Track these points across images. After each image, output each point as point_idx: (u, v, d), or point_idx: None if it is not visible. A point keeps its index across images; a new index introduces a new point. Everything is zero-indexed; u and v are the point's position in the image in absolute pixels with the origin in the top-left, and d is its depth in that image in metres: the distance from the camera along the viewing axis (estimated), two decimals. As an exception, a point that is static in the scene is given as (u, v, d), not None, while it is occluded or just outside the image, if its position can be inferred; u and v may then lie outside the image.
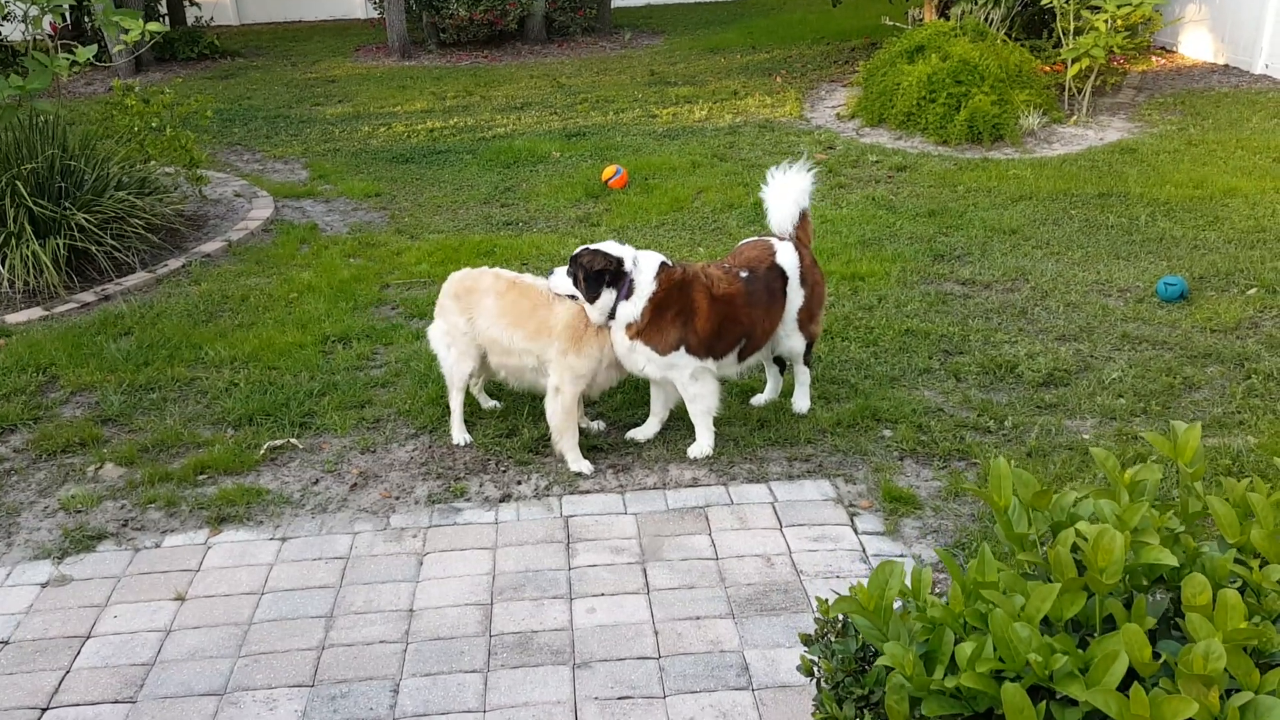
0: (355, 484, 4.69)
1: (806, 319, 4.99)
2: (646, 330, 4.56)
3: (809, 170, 5.08)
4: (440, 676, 3.52)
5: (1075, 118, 10.24)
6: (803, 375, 5.13)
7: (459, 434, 5.00)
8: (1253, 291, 6.31)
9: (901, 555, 4.08)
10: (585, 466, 4.73)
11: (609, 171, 8.81)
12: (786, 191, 5.03)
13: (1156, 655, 1.71)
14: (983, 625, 1.84)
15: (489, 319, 4.80)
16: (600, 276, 4.50)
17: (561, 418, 4.68)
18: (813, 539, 4.19)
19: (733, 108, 11.44)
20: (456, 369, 4.95)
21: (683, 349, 4.60)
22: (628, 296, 4.53)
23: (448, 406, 5.10)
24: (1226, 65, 12.07)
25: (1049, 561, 1.92)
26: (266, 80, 13.93)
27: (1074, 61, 10.24)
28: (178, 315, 6.45)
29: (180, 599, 3.96)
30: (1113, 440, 4.80)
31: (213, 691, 3.49)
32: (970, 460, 4.71)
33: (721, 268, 4.74)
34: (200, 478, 4.76)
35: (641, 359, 4.63)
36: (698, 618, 3.76)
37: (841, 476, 4.62)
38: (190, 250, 7.58)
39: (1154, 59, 12.57)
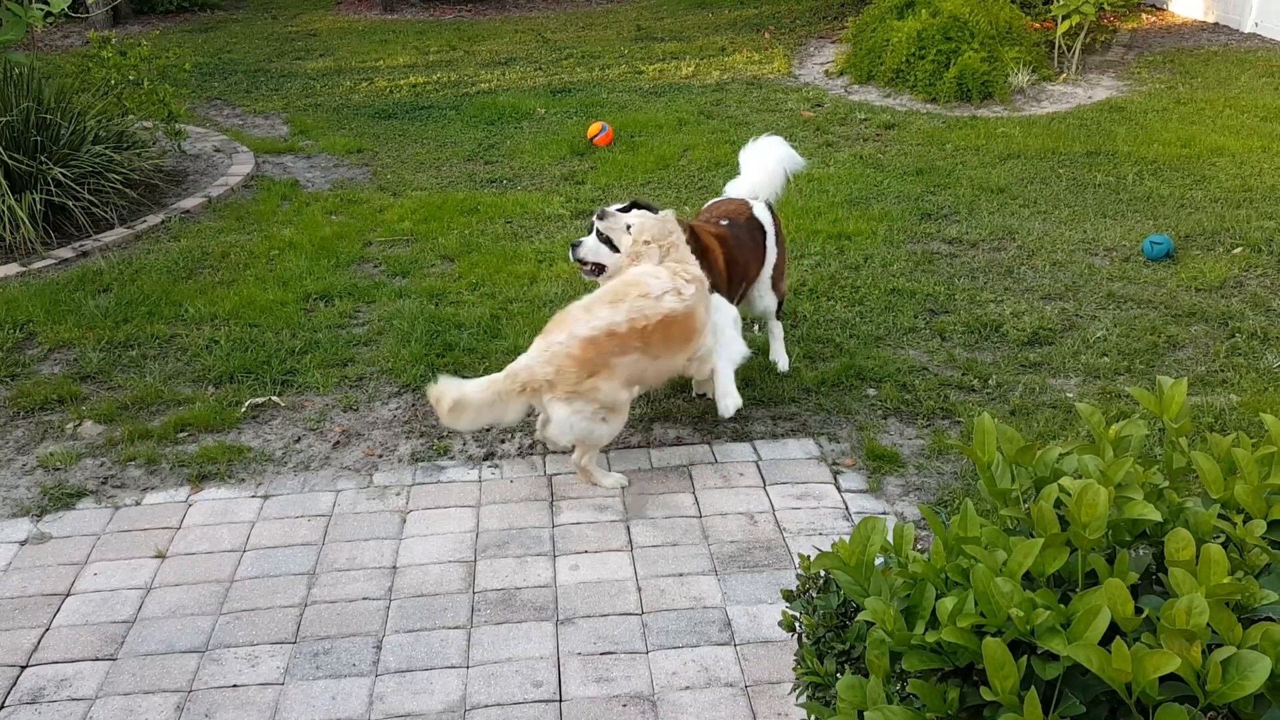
0: (338, 442, 4.66)
1: (778, 277, 5.07)
2: None
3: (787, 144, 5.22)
4: (423, 633, 3.51)
5: (1064, 75, 10.17)
6: (776, 329, 5.13)
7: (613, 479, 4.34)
8: (1238, 251, 6.30)
9: (884, 513, 4.08)
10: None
11: (594, 129, 8.72)
12: (772, 155, 5.11)
13: (1139, 610, 1.71)
14: (964, 580, 1.83)
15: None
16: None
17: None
18: (796, 497, 4.19)
19: (720, 64, 11.32)
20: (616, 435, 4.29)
21: (715, 293, 4.58)
22: None
23: (434, 366, 5.10)
24: (1216, 23, 11.99)
25: (1032, 517, 1.91)
26: (246, 33, 13.69)
27: (1064, 18, 10.15)
28: (157, 272, 6.36)
29: (161, 556, 3.94)
30: (1097, 398, 4.80)
31: (194, 649, 3.48)
32: (954, 419, 4.71)
33: (702, 220, 4.82)
34: (181, 435, 4.72)
35: None
36: (681, 575, 3.77)
37: (825, 435, 4.62)
38: (170, 206, 7.47)
39: (1144, 16, 12.47)
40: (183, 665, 3.41)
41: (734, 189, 5.20)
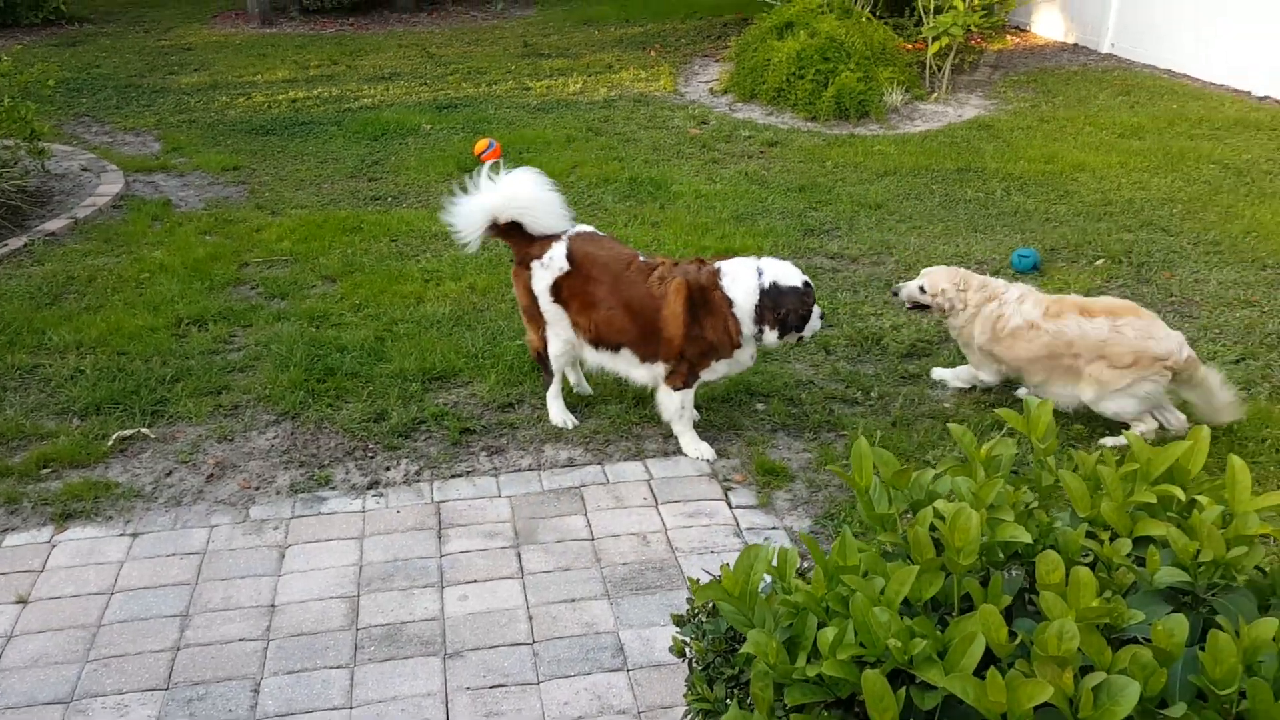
0: (212, 475, 4.48)
1: None
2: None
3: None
4: (304, 674, 3.39)
5: (936, 95, 10.50)
6: None
7: None
8: (1100, 262, 6.58)
9: (774, 528, 4.13)
10: None
11: (482, 145, 8.61)
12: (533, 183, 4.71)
13: (1013, 634, 1.74)
14: (844, 609, 1.85)
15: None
16: None
17: None
18: (688, 515, 4.20)
19: (607, 81, 11.35)
20: None
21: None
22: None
23: (314, 392, 4.96)
24: (1076, 44, 12.56)
25: (909, 541, 1.94)
26: (116, 47, 13.15)
27: (934, 40, 10.49)
28: (18, 298, 6.04)
29: (22, 602, 3.72)
30: (971, 408, 4.94)
31: (59, 699, 3.30)
32: (839, 431, 4.79)
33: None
34: (44, 471, 4.48)
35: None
36: (573, 600, 3.73)
37: (715, 451, 4.64)
38: (33, 228, 7.11)
39: (1009, 38, 12.98)
40: (46, 717, 3.22)
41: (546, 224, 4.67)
